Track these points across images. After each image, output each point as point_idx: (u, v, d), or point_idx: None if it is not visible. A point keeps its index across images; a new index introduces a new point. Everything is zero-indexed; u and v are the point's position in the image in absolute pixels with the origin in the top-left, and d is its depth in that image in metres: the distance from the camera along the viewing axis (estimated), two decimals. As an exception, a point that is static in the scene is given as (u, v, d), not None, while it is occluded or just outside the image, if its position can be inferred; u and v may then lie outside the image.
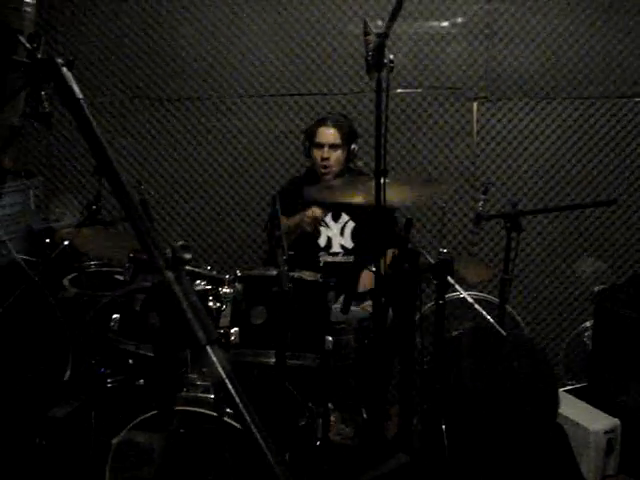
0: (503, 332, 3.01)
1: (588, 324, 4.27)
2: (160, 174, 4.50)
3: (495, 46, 4.28)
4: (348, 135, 3.83)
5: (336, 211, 3.91)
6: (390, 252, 3.43)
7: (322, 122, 3.85)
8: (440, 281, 2.83)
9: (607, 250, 4.43)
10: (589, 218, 4.40)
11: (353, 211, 3.86)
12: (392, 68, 2.47)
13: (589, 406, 3.63)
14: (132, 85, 4.43)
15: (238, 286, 2.87)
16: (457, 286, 2.82)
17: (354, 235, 3.88)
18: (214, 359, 0.87)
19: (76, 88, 0.97)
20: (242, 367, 2.91)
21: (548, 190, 4.39)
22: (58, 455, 2.98)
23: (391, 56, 2.47)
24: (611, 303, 3.76)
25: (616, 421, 3.48)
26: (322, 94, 4.42)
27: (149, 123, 4.48)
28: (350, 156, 3.86)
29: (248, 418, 0.85)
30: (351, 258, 3.83)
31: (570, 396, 3.74)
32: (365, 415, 3.24)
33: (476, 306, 2.94)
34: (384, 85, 2.49)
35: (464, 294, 2.82)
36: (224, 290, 2.86)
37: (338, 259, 3.86)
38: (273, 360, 2.83)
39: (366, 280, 3.60)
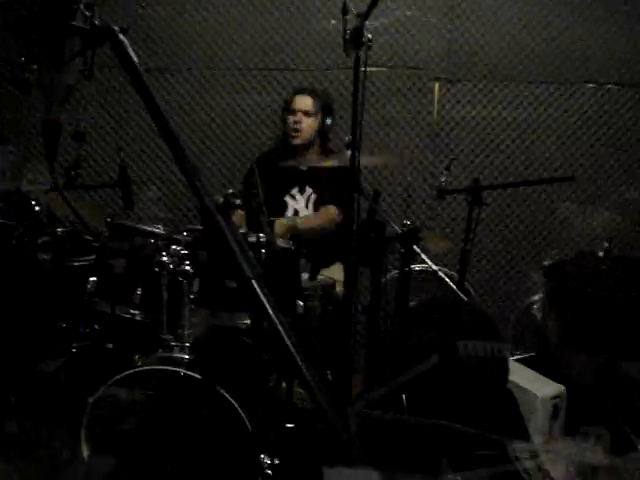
0: (464, 297, 3.16)
1: (537, 297, 4.42)
2: (142, 141, 4.57)
3: (457, 28, 4.43)
4: (323, 106, 3.98)
5: (301, 184, 4.03)
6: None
7: (300, 91, 4.04)
8: (406, 249, 2.97)
9: (559, 226, 4.64)
10: (542, 195, 4.60)
11: (316, 184, 4.00)
12: (370, 47, 2.59)
13: (537, 374, 3.76)
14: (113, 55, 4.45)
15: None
16: (423, 255, 2.95)
17: (316, 206, 4.02)
18: (258, 291, 0.99)
19: (132, 53, 1.09)
20: (218, 330, 3.03)
21: (503, 169, 4.57)
22: (46, 409, 3.06)
23: (369, 35, 2.60)
24: (560, 276, 3.92)
25: (562, 387, 3.61)
26: (296, 69, 4.52)
27: (128, 93, 4.52)
28: (323, 129, 3.99)
29: (290, 345, 0.95)
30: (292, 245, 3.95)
31: (519, 364, 3.86)
32: (330, 378, 3.36)
33: (440, 274, 3.08)
34: (362, 62, 2.61)
35: (429, 262, 2.96)
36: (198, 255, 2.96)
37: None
38: (246, 322, 2.97)
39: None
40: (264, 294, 0.99)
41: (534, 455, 2.80)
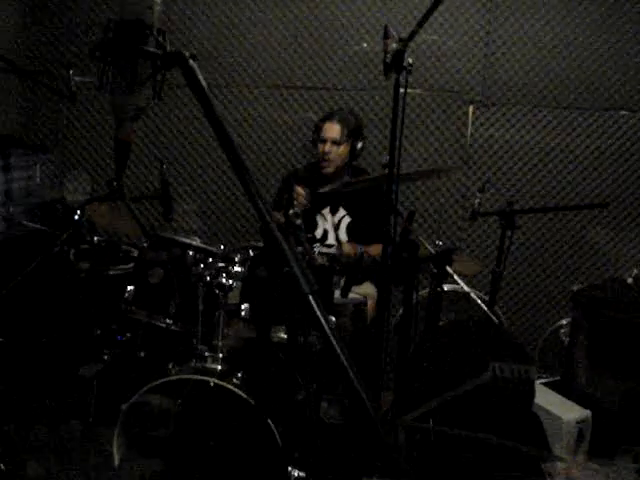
0: (496, 320, 3.18)
1: (565, 321, 4.42)
2: (182, 157, 4.67)
3: (493, 53, 4.49)
4: (353, 132, 3.95)
5: (334, 205, 4.05)
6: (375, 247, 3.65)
7: (329, 117, 3.98)
8: (439, 270, 3.01)
9: (588, 252, 4.67)
10: (571, 221, 4.64)
11: (350, 206, 4.01)
12: (410, 71, 2.65)
13: (563, 398, 3.76)
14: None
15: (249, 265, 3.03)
16: (456, 276, 2.99)
17: (349, 230, 4.02)
18: (314, 306, 1.04)
19: (201, 77, 1.15)
20: (250, 341, 3.09)
21: (535, 193, 4.61)
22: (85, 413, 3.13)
23: (410, 60, 2.65)
24: (588, 301, 3.92)
25: (587, 412, 3.61)
26: (331, 89, 4.59)
27: (173, 110, 4.64)
28: (354, 153, 3.99)
29: (344, 360, 1.00)
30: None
31: (545, 388, 3.87)
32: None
33: (472, 296, 3.11)
34: (402, 86, 2.66)
35: (462, 284, 3.00)
36: (236, 269, 3.03)
37: (332, 251, 3.95)
38: (280, 335, 3.02)
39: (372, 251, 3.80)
40: (320, 309, 1.04)
41: (567, 472, 2.81)
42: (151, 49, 1.22)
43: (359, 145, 3.98)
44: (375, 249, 3.87)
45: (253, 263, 3.01)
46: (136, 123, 1.34)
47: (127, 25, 1.24)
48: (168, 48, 1.20)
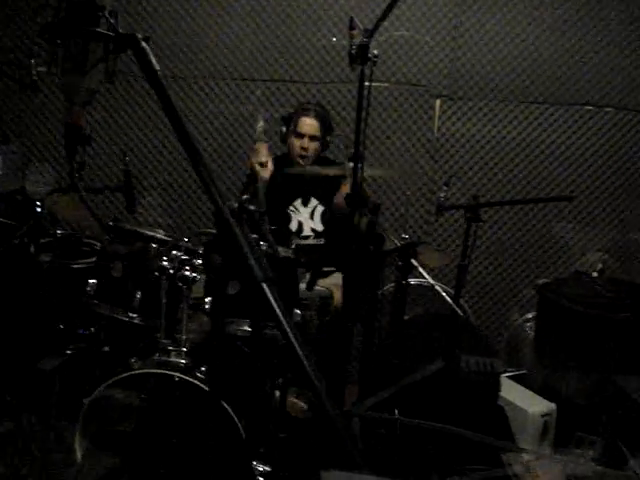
0: (461, 313, 3.19)
1: (530, 315, 4.45)
2: (144, 147, 4.62)
3: (460, 47, 4.49)
4: (327, 127, 3.93)
5: (305, 196, 4.03)
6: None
7: (305, 112, 3.91)
8: (404, 263, 3.01)
9: (553, 246, 4.70)
10: (538, 214, 4.67)
11: (321, 195, 3.99)
12: (375, 63, 2.64)
13: (528, 391, 3.78)
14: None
15: (217, 255, 3.00)
16: (421, 269, 2.99)
17: (323, 217, 4.01)
18: (269, 294, 1.02)
19: (154, 60, 1.12)
20: (214, 335, 3.06)
21: (501, 187, 4.64)
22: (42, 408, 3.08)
23: (375, 51, 2.64)
24: (554, 296, 3.95)
25: (552, 405, 3.64)
26: (297, 82, 4.56)
27: (134, 99, 4.58)
28: (324, 147, 3.97)
29: (299, 351, 0.98)
30: (322, 240, 3.96)
31: (511, 381, 3.89)
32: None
33: (437, 288, 3.12)
34: (367, 78, 2.66)
35: (427, 277, 3.00)
36: (199, 261, 2.99)
37: (309, 242, 3.96)
38: (244, 328, 3.00)
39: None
40: (274, 298, 1.02)
41: (526, 462, 2.83)
42: (103, 31, 1.19)
43: (329, 139, 3.97)
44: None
45: (207, 250, 2.97)
46: (95, 111, 1.31)
47: (78, 6, 1.21)
48: (120, 31, 1.17)
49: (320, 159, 4.04)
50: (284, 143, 3.99)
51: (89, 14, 1.19)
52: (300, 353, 0.99)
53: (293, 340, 1.00)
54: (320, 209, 4.02)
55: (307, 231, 4.01)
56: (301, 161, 3.90)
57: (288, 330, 1.01)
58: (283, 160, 4.01)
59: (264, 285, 1.02)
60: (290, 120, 3.94)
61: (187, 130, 1.08)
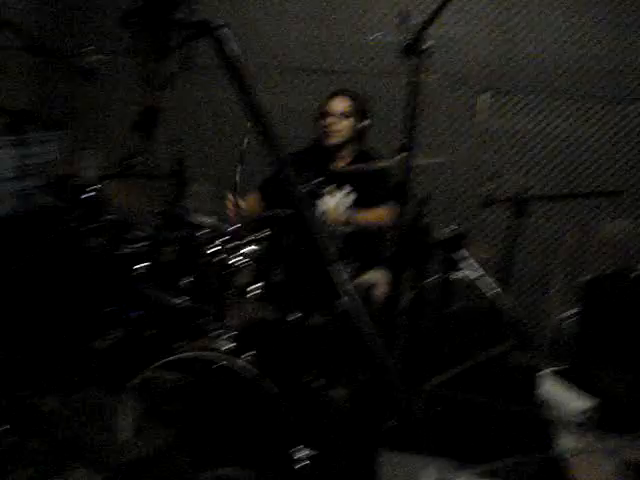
0: (508, 304, 3.19)
1: (574, 311, 4.40)
2: (198, 137, 4.75)
3: (507, 42, 4.48)
4: (357, 107, 3.97)
5: (340, 184, 4.04)
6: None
7: (335, 93, 4.02)
8: (450, 255, 3.02)
9: (598, 242, 4.65)
10: (583, 210, 4.64)
11: (355, 183, 3.99)
12: (430, 55, 2.64)
13: (571, 386, 3.77)
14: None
15: (262, 245, 3.04)
16: (467, 261, 2.99)
17: (355, 206, 3.98)
18: (337, 275, 1.04)
19: (234, 46, 1.16)
20: (261, 322, 3.10)
21: (547, 182, 4.61)
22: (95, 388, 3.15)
23: (429, 43, 2.64)
24: (598, 292, 3.94)
25: (595, 400, 3.57)
26: (337, 72, 4.61)
27: (192, 88, 4.65)
28: (359, 131, 4.00)
29: (364, 325, 1.01)
30: (349, 229, 3.98)
31: (553, 376, 3.91)
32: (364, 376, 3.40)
33: (484, 280, 3.12)
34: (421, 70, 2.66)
35: (474, 267, 3.00)
36: (248, 248, 3.03)
37: (347, 229, 3.97)
38: (291, 317, 3.03)
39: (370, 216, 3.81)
40: (342, 277, 1.05)
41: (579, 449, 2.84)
42: (181, 17, 1.23)
43: (364, 123, 4.00)
44: (373, 213, 3.88)
45: (278, 231, 3.03)
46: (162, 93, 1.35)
47: (157, -6, 1.25)
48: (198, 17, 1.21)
49: (364, 154, 4.06)
50: (318, 126, 4.06)
51: (168, 1, 1.23)
52: (368, 330, 1.02)
53: (361, 320, 1.02)
54: (353, 196, 4.00)
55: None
56: (330, 135, 3.95)
57: (356, 310, 1.04)
58: (316, 148, 4.08)
59: (333, 265, 1.05)
60: (321, 105, 4.04)
61: (263, 115, 1.11)
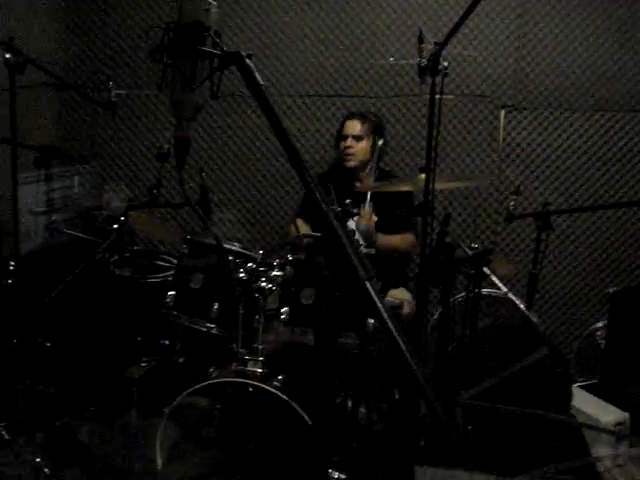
0: (535, 319, 3.19)
1: (600, 324, 4.42)
2: (222, 164, 4.79)
3: (524, 58, 4.51)
4: (373, 128, 4.04)
5: (358, 206, 4.07)
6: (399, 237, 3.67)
7: (349, 116, 4.11)
8: (476, 271, 3.03)
9: (623, 253, 4.66)
10: (606, 223, 4.64)
11: (377, 205, 4.04)
12: (446, 74, 2.68)
13: (600, 400, 3.76)
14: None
15: (289, 269, 3.08)
16: (493, 277, 3.00)
17: (377, 229, 4.02)
18: (371, 292, 1.07)
19: (258, 76, 1.20)
20: (290, 345, 3.13)
21: (568, 196, 4.62)
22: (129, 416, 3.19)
23: (445, 63, 2.68)
24: (625, 304, 3.92)
25: (625, 414, 3.60)
26: (357, 96, 4.65)
27: (211, 117, 4.73)
28: (376, 150, 4.01)
29: (401, 341, 1.03)
30: (373, 250, 4.01)
31: (582, 391, 3.88)
32: (397, 396, 3.42)
33: (510, 296, 3.13)
34: (438, 89, 2.71)
35: (499, 284, 3.01)
36: (274, 273, 3.07)
37: (372, 251, 4.00)
38: (320, 339, 3.05)
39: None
40: (377, 295, 1.08)
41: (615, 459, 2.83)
42: (209, 49, 1.27)
43: (380, 142, 4.02)
44: (396, 240, 3.93)
45: (311, 251, 3.06)
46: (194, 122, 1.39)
47: (186, 27, 1.30)
48: (225, 49, 1.25)
49: (382, 172, 4.10)
50: (337, 149, 4.17)
51: (196, 35, 1.28)
52: (404, 348, 1.04)
53: (397, 335, 1.05)
54: (374, 219, 4.02)
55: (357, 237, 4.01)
56: (347, 158, 4.02)
57: (391, 325, 1.06)
58: (336, 169, 4.17)
59: (367, 283, 1.07)
60: (339, 127, 4.15)
61: (290, 140, 1.14)
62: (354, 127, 4.02)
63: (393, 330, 1.05)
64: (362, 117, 4.07)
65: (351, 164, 4.03)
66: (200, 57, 1.28)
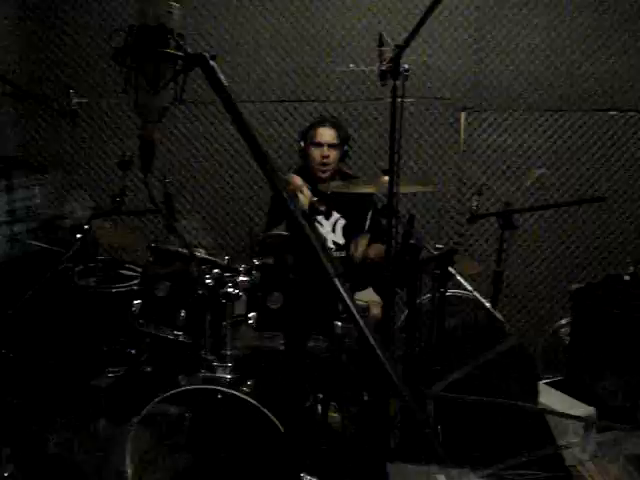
0: (501, 317, 3.23)
1: (564, 321, 4.47)
2: (184, 170, 4.78)
3: (482, 60, 4.57)
4: (343, 136, 4.02)
5: (327, 210, 4.08)
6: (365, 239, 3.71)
7: (321, 123, 4.04)
8: (442, 271, 3.05)
9: (585, 250, 4.74)
10: (567, 220, 4.72)
11: (343, 209, 4.03)
12: (407, 77, 2.70)
13: (566, 396, 3.80)
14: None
15: (255, 274, 3.07)
16: (458, 276, 3.03)
17: (345, 232, 4.05)
18: (341, 288, 1.08)
19: (222, 77, 1.20)
20: (259, 350, 3.12)
21: (529, 195, 4.69)
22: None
23: (406, 66, 2.70)
24: (588, 300, 3.97)
25: (591, 409, 3.65)
26: (318, 101, 4.67)
27: (172, 123, 4.72)
28: (342, 157, 4.04)
29: (371, 338, 1.04)
30: (343, 253, 4.03)
31: (549, 387, 3.91)
32: (366, 397, 3.42)
33: (476, 295, 3.16)
34: (399, 92, 2.72)
35: (464, 283, 3.04)
36: (241, 278, 3.06)
37: (340, 254, 4.02)
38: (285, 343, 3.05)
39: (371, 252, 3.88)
40: (346, 292, 1.08)
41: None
42: (172, 51, 1.27)
43: (346, 149, 4.05)
44: (374, 249, 3.93)
45: (280, 251, 3.05)
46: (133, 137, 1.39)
47: (149, 30, 1.30)
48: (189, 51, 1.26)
49: (341, 174, 4.10)
50: (303, 158, 4.10)
51: (159, 37, 1.28)
52: (373, 343, 1.05)
53: (366, 332, 1.05)
54: (342, 222, 4.07)
55: (329, 244, 4.05)
56: (322, 169, 3.97)
57: (361, 323, 1.07)
58: (302, 174, 4.06)
59: (336, 280, 1.08)
60: (307, 134, 4.05)
61: (258, 141, 1.15)
62: (329, 135, 3.97)
63: (363, 326, 1.06)
64: (335, 124, 4.03)
65: (326, 175, 3.98)
66: (163, 59, 1.28)
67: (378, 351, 1.05)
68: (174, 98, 1.38)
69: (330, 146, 3.95)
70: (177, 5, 1.32)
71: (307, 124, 4.29)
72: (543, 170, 3.72)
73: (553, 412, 3.14)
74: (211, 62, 1.20)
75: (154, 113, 1.36)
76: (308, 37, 4.61)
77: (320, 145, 3.96)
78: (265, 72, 4.65)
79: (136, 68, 1.32)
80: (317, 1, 4.60)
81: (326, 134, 3.97)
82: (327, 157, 3.95)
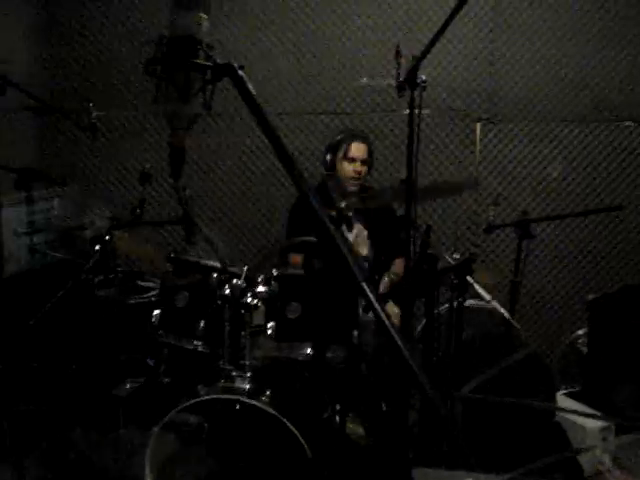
0: (517, 326, 3.23)
1: (582, 331, 4.44)
2: (203, 181, 4.83)
3: (498, 71, 4.60)
4: (372, 150, 4.04)
5: (348, 222, 4.08)
6: (399, 261, 3.71)
7: (354, 137, 4.01)
8: (460, 280, 3.05)
9: (602, 260, 4.74)
10: (585, 229, 4.72)
11: (365, 221, 4.04)
12: (425, 87, 2.72)
13: (584, 406, 3.79)
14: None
15: (274, 284, 3.09)
16: (476, 285, 3.03)
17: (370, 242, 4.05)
18: (369, 293, 1.09)
19: (250, 86, 1.22)
20: (278, 360, 3.13)
21: (545, 206, 4.70)
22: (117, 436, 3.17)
23: (423, 77, 2.72)
24: (605, 310, 3.96)
25: (609, 420, 3.59)
26: (335, 113, 4.70)
27: (193, 135, 4.71)
28: (369, 170, 4.05)
29: (401, 343, 1.05)
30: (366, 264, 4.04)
31: (566, 398, 3.92)
32: (385, 408, 3.42)
33: (494, 304, 3.16)
34: (417, 103, 2.74)
35: (482, 292, 3.04)
36: (259, 289, 3.07)
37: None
38: (306, 352, 3.06)
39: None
40: (375, 296, 1.10)
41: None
42: (202, 62, 1.30)
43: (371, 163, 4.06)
44: (398, 265, 3.94)
45: (307, 256, 3.06)
46: (156, 147, 1.41)
47: (179, 41, 1.33)
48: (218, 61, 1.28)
49: (362, 187, 4.11)
50: (330, 170, 4.03)
51: (189, 48, 1.31)
52: (403, 348, 1.06)
53: (395, 335, 1.07)
54: (364, 234, 4.06)
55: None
56: (354, 184, 3.97)
57: (388, 324, 1.09)
58: (320, 191, 4.06)
59: (364, 284, 1.09)
60: (338, 147, 4.00)
61: (286, 149, 1.17)
62: (362, 150, 3.97)
63: (389, 326, 1.08)
64: (366, 139, 4.04)
65: (356, 188, 3.97)
66: (193, 69, 1.32)
67: (404, 350, 1.06)
68: (203, 107, 1.41)
69: (363, 162, 3.96)
70: (205, 17, 1.35)
71: (322, 136, 4.32)
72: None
73: (571, 411, 3.13)
74: (240, 72, 1.23)
75: (184, 121, 1.39)
76: (326, 50, 4.65)
77: (354, 160, 3.95)
78: (282, 84, 4.68)
79: (167, 78, 1.35)
80: (334, 15, 4.64)
81: (360, 149, 3.97)
82: (360, 172, 3.95)
